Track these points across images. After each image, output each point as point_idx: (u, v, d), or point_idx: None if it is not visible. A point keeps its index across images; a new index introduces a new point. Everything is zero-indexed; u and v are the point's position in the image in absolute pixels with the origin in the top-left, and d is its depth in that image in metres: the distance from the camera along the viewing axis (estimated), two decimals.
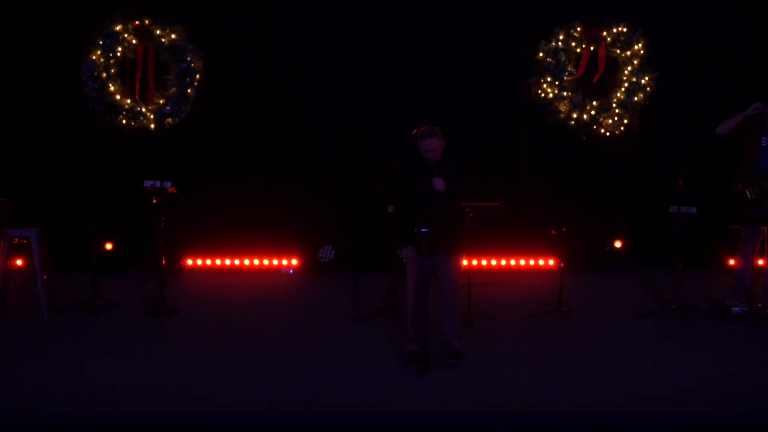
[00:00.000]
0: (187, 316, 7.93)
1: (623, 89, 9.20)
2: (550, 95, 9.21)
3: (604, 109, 9.21)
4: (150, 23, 9.14)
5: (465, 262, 7.24)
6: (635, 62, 9.16)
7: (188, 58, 9.14)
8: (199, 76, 9.23)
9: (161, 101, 9.20)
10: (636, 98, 9.18)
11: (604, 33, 9.15)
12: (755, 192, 7.80)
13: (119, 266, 9.25)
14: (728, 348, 7.07)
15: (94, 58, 9.08)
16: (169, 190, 7.83)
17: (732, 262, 8.79)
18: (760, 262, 8.15)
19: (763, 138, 7.82)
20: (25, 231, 7.65)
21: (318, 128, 9.49)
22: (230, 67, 9.36)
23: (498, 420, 5.71)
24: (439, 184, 6.55)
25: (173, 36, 9.14)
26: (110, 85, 9.13)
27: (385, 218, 7.30)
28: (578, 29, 9.17)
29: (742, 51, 9.30)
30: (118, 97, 9.16)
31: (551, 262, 9.59)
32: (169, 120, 9.23)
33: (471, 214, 7.23)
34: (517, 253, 9.60)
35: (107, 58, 9.13)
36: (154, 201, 7.84)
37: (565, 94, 9.20)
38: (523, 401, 5.92)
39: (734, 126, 7.94)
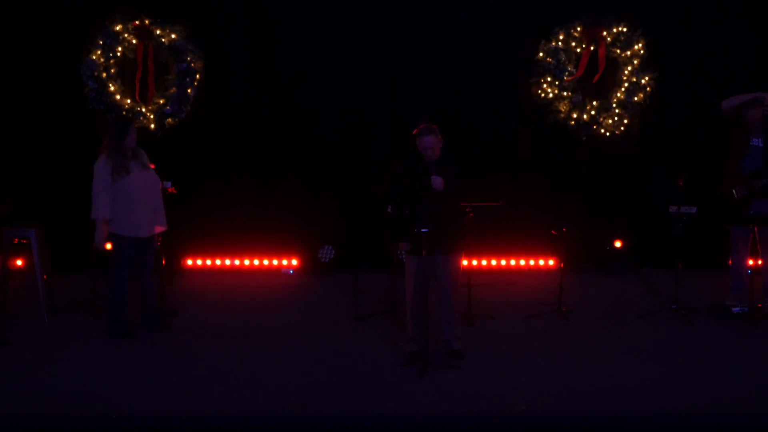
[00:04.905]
0: (188, 316, 7.93)
1: (623, 89, 9.19)
2: (550, 95, 9.21)
3: (604, 109, 9.20)
4: (150, 23, 9.14)
5: (465, 262, 7.23)
6: (635, 62, 9.16)
7: (188, 58, 9.14)
8: (199, 76, 9.23)
9: (161, 101, 9.19)
10: (636, 98, 9.17)
11: (604, 33, 9.15)
12: (742, 191, 7.80)
13: None
14: (728, 348, 7.06)
15: (94, 58, 9.07)
16: (169, 190, 7.82)
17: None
18: (759, 262, 8.13)
19: (753, 139, 7.81)
20: (25, 231, 7.66)
21: (318, 128, 9.48)
22: (230, 67, 9.37)
23: (498, 420, 5.71)
24: (438, 182, 6.54)
25: (173, 36, 9.14)
26: (110, 85, 9.13)
27: (385, 218, 7.29)
28: (578, 29, 9.17)
29: (742, 50, 9.29)
30: (118, 97, 9.15)
31: (551, 262, 9.58)
32: (169, 120, 9.22)
33: (471, 214, 7.23)
34: (517, 253, 9.59)
35: (107, 58, 9.12)
36: None
37: (565, 94, 9.19)
38: (523, 401, 5.92)
39: (739, 104, 7.83)
